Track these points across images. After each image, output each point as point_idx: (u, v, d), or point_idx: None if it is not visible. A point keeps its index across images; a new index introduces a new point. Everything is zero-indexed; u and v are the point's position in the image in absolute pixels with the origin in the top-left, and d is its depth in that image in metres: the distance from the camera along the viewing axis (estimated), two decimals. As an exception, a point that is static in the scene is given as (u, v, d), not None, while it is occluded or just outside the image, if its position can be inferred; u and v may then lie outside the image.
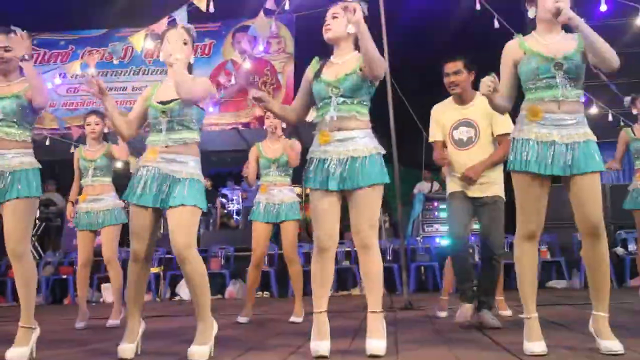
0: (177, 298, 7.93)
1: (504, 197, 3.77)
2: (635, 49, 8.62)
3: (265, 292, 7.86)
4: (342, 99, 2.88)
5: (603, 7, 5.48)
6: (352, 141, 2.87)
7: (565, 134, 2.67)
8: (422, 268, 8.02)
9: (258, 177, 4.74)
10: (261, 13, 6.49)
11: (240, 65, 8.78)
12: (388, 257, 7.74)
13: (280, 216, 4.55)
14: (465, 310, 3.71)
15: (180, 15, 5.58)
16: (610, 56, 2.61)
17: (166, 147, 2.94)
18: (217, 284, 8.02)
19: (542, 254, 7.51)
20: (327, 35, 2.97)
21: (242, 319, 4.49)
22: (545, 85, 2.70)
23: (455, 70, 3.76)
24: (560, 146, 2.66)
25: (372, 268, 2.88)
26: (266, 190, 4.60)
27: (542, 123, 2.69)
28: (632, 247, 7.49)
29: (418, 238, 8.57)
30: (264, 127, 4.81)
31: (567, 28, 2.77)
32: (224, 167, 12.27)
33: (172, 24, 5.46)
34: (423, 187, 9.81)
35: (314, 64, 3.04)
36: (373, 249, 2.87)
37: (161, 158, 2.93)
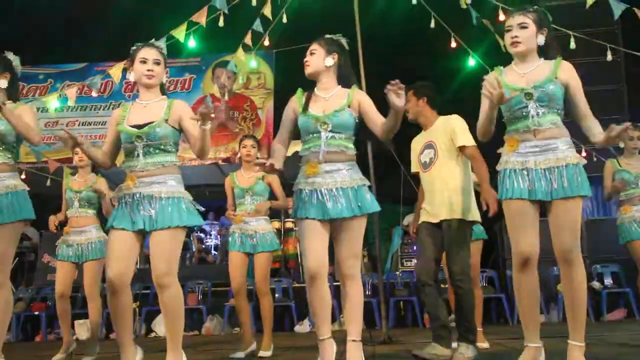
0: (152, 335, 7.77)
1: (464, 217, 3.68)
2: (606, 86, 8.86)
3: (234, 328, 7.73)
4: (330, 134, 2.97)
5: (572, 45, 5.64)
6: (339, 173, 2.95)
7: (541, 159, 2.74)
8: (401, 303, 7.99)
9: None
10: (240, 48, 6.56)
11: (219, 100, 8.83)
12: (367, 292, 7.70)
13: (256, 247, 4.53)
14: (430, 347, 3.58)
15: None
16: None
17: (143, 171, 2.92)
18: (194, 320, 7.89)
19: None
20: (307, 70, 3.10)
21: (239, 354, 4.36)
22: (519, 115, 2.80)
23: (407, 100, 3.84)
24: (536, 172, 2.72)
25: (355, 297, 2.93)
26: (241, 220, 4.58)
27: (519, 152, 2.78)
28: (608, 281, 7.56)
29: (397, 272, 8.55)
30: (242, 157, 4.80)
31: (547, 55, 2.88)
32: (202, 201, 12.10)
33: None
34: (411, 220, 9.78)
35: (299, 95, 3.11)
36: (357, 279, 2.95)
37: (140, 182, 2.91)
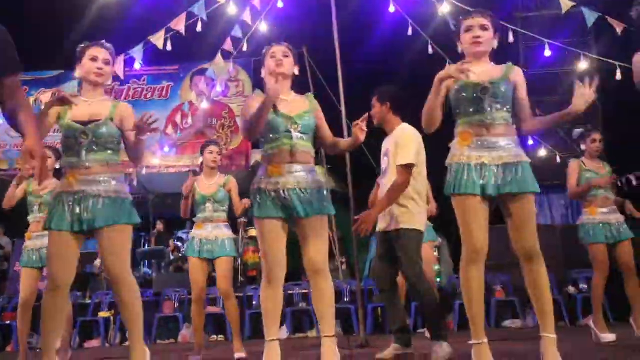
0: (127, 344, 7.64)
1: (411, 227, 3.69)
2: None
3: (219, 336, 7.67)
4: (300, 135, 3.01)
5: (547, 53, 5.74)
6: (303, 174, 2.99)
7: (495, 155, 2.78)
8: (379, 309, 7.98)
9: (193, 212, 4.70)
10: (219, 55, 6.56)
11: (197, 108, 8.81)
12: (345, 298, 7.69)
13: (214, 252, 4.50)
14: (391, 348, 3.77)
15: (137, 54, 5.59)
16: None
17: (86, 169, 2.90)
18: (170, 328, 7.80)
19: (496, 294, 7.61)
20: (280, 69, 3.08)
21: (196, 358, 4.39)
22: (473, 110, 2.82)
23: (372, 104, 3.96)
24: (491, 168, 2.76)
25: (328, 293, 2.97)
26: (202, 227, 4.57)
27: (473, 146, 2.80)
28: (582, 286, 7.65)
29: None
30: (204, 162, 4.74)
31: (497, 60, 2.94)
32: (180, 210, 12.06)
33: (130, 63, 5.48)
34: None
35: (261, 95, 3.10)
36: (327, 274, 2.98)
37: (81, 181, 2.89)
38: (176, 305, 8.06)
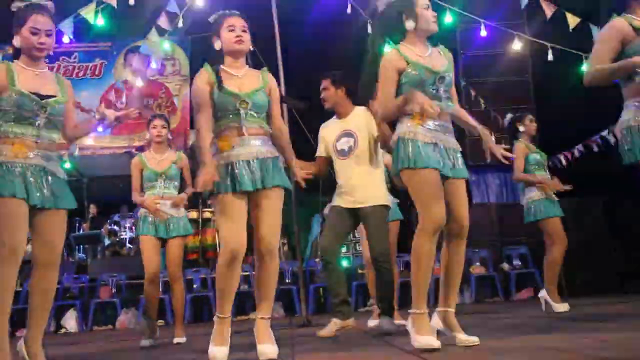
0: (62, 331, 7.40)
1: (384, 203, 3.94)
2: (510, 77, 9.27)
3: (159, 320, 7.51)
4: (250, 113, 2.88)
5: (483, 33, 5.83)
6: (256, 145, 2.88)
7: (443, 139, 2.84)
8: (321, 290, 8.03)
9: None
10: (153, 31, 6.34)
11: (132, 87, 8.51)
12: (287, 280, 7.69)
13: (170, 232, 4.38)
14: (331, 324, 3.85)
15: (67, 28, 5.32)
16: None
17: (39, 143, 2.78)
18: (107, 314, 7.60)
19: (434, 271, 7.77)
20: (240, 46, 2.94)
21: (145, 342, 4.27)
22: (430, 95, 2.81)
23: (323, 87, 4.04)
24: (441, 149, 2.81)
25: (273, 274, 2.90)
26: (154, 205, 4.37)
27: (428, 127, 2.81)
28: (516, 262, 7.94)
29: (316, 260, 8.57)
30: (151, 139, 4.60)
31: (433, 41, 2.93)
32: (115, 193, 11.71)
33: (59, 37, 5.21)
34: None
35: (210, 70, 2.95)
36: (276, 255, 2.91)
37: (34, 154, 2.76)
38: (113, 290, 7.84)
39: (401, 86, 2.85)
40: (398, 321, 4.30)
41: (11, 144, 2.72)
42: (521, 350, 2.51)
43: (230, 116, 2.87)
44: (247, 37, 2.96)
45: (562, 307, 4.55)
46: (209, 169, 2.71)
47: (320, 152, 4.14)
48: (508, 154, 2.91)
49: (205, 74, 2.94)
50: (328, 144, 4.07)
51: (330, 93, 4.01)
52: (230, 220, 2.80)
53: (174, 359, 3.38)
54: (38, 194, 2.72)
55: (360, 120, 3.97)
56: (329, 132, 4.09)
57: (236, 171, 2.82)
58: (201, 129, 2.85)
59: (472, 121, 3.03)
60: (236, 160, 2.83)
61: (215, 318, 2.85)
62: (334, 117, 4.15)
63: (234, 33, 2.92)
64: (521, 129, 4.92)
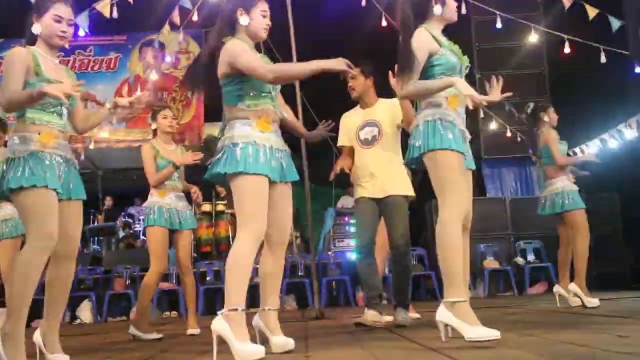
0: (77, 322, 7.48)
1: (408, 193, 3.95)
2: (526, 70, 9.19)
3: (173, 312, 7.58)
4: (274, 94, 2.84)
5: (498, 25, 5.78)
6: (280, 135, 2.84)
7: (464, 128, 2.84)
8: (333, 283, 8.03)
9: None
10: (167, 25, 6.34)
11: (146, 80, 8.54)
12: (300, 272, 7.68)
13: (182, 224, 4.36)
14: (366, 315, 3.81)
15: (82, 21, 5.34)
16: None
17: (63, 133, 2.82)
18: (122, 305, 7.67)
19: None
20: (265, 34, 2.85)
21: (134, 330, 4.21)
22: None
23: (352, 76, 3.93)
24: (464, 138, 2.81)
25: (282, 266, 2.92)
26: (165, 195, 4.36)
27: (458, 113, 2.82)
28: (530, 257, 7.89)
29: (329, 253, 8.58)
30: (158, 129, 4.48)
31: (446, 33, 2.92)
32: (130, 185, 11.80)
33: (74, 31, 5.23)
34: (347, 201, 9.77)
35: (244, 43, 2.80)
36: (285, 248, 2.92)
37: (58, 144, 2.78)
38: (127, 282, 7.91)
39: (431, 68, 2.79)
40: (413, 314, 4.31)
41: (37, 132, 2.70)
42: (538, 344, 2.49)
43: (267, 98, 2.76)
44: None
45: (592, 301, 4.43)
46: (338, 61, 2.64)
47: (344, 141, 4.11)
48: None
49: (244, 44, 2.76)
50: (350, 132, 4.06)
51: (360, 82, 4.01)
52: (261, 205, 2.64)
53: (188, 350, 3.39)
54: (62, 185, 2.74)
55: (385, 111, 3.99)
56: (351, 122, 4.09)
57: (277, 158, 2.73)
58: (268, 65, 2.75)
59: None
60: (272, 145, 2.72)
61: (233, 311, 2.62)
62: (355, 107, 4.15)
63: (265, 20, 2.82)
64: (545, 119, 4.87)
